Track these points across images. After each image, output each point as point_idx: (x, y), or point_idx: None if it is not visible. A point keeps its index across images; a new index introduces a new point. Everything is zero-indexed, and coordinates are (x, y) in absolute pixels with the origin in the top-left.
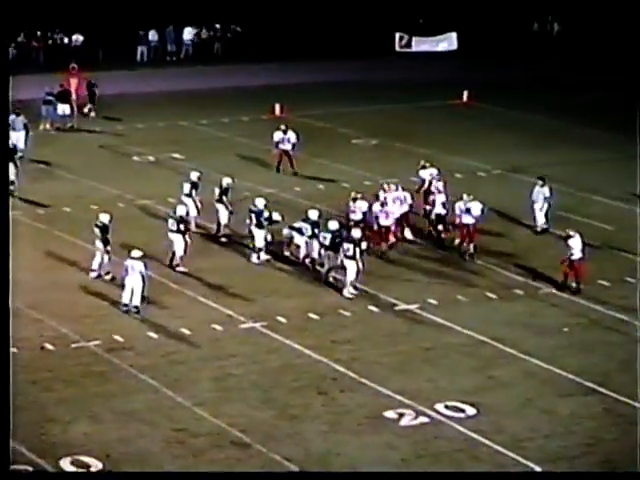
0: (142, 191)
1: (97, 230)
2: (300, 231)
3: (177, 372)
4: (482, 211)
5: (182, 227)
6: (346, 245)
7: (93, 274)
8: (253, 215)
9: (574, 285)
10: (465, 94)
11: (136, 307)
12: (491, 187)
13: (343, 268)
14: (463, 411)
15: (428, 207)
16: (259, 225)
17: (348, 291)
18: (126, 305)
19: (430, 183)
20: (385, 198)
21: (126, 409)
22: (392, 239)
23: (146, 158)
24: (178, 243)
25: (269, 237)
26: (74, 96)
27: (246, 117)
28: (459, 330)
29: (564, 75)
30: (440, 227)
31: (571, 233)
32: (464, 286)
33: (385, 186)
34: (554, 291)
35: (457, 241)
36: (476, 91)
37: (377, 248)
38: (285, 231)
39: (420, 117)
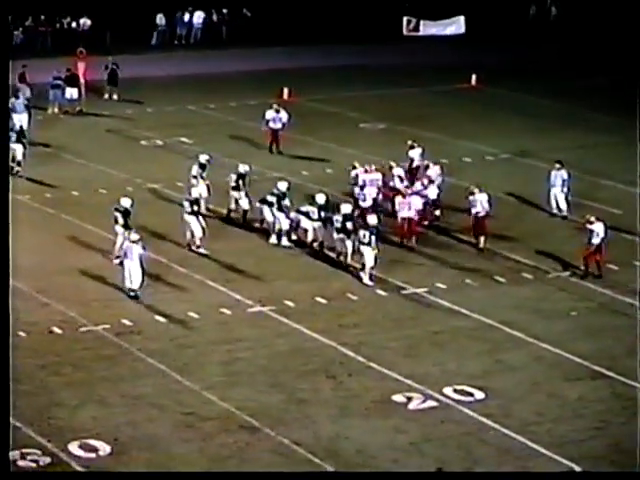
0: (150, 175)
1: (118, 214)
2: (308, 215)
3: (185, 356)
4: (489, 203)
5: (196, 208)
6: (362, 232)
7: (116, 260)
8: (274, 198)
9: (596, 271)
10: (473, 78)
11: (133, 291)
12: (499, 171)
13: (359, 254)
14: (471, 395)
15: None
16: (281, 208)
17: (367, 278)
18: (132, 290)
19: (418, 166)
20: (364, 180)
21: (134, 393)
22: (418, 229)
23: (154, 142)
24: (195, 225)
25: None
26: (82, 80)
27: (254, 101)
28: (467, 314)
29: (569, 59)
30: (438, 212)
31: (592, 219)
32: (472, 270)
33: (366, 167)
34: (563, 275)
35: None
36: (484, 75)
37: (407, 242)
38: (292, 215)
39: (428, 101)
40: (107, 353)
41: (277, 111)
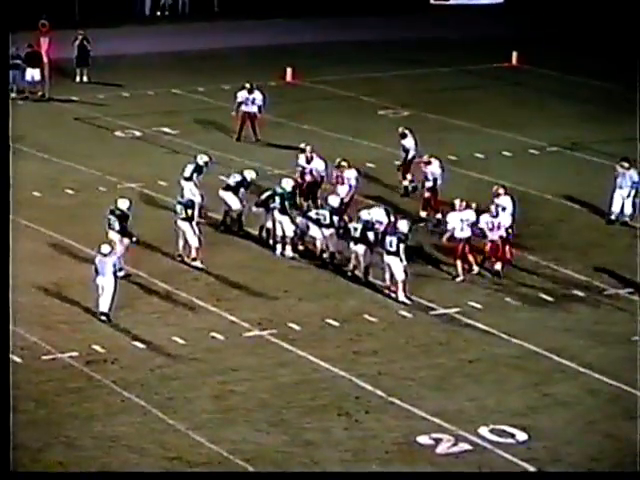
0: (127, 172)
1: (113, 218)
2: (317, 221)
3: (169, 389)
4: (511, 227)
5: (190, 213)
6: (389, 238)
7: (120, 273)
8: (278, 198)
9: None
10: (514, 55)
11: (103, 313)
12: (546, 167)
13: (385, 267)
14: (513, 436)
15: (409, 184)
16: (284, 210)
17: (403, 294)
18: (103, 313)
19: (413, 158)
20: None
21: (109, 433)
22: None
23: (131, 133)
24: (190, 233)
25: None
26: (45, 59)
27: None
28: (507, 339)
29: (630, 33)
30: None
31: None
32: (514, 286)
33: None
34: (622, 292)
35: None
36: (527, 52)
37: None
38: (299, 220)
39: (460, 83)
40: (76, 386)
41: (250, 91)
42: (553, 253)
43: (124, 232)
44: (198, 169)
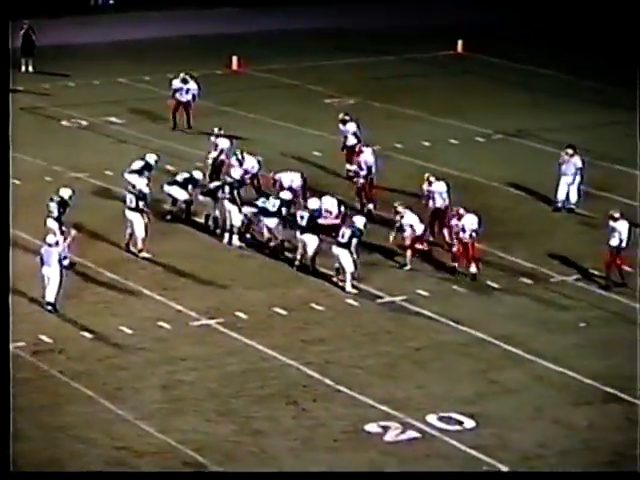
0: (73, 162)
1: (52, 205)
2: (265, 210)
3: (117, 379)
4: (479, 224)
5: (142, 204)
6: (343, 230)
7: (65, 262)
8: (227, 187)
9: (619, 279)
10: (459, 43)
11: (50, 303)
12: (491, 155)
13: (335, 257)
14: (460, 423)
15: (352, 168)
16: (233, 200)
17: (349, 285)
18: (49, 303)
19: (354, 146)
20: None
21: (56, 424)
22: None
23: (77, 122)
24: (138, 223)
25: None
26: None
27: (198, 72)
28: (455, 327)
29: (576, 21)
30: (370, 205)
31: (616, 215)
32: (460, 274)
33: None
34: (569, 279)
35: (472, 268)
36: (473, 40)
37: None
38: (245, 209)
39: (406, 71)
40: (22, 376)
41: (184, 81)
42: (500, 241)
43: (60, 220)
44: (148, 167)
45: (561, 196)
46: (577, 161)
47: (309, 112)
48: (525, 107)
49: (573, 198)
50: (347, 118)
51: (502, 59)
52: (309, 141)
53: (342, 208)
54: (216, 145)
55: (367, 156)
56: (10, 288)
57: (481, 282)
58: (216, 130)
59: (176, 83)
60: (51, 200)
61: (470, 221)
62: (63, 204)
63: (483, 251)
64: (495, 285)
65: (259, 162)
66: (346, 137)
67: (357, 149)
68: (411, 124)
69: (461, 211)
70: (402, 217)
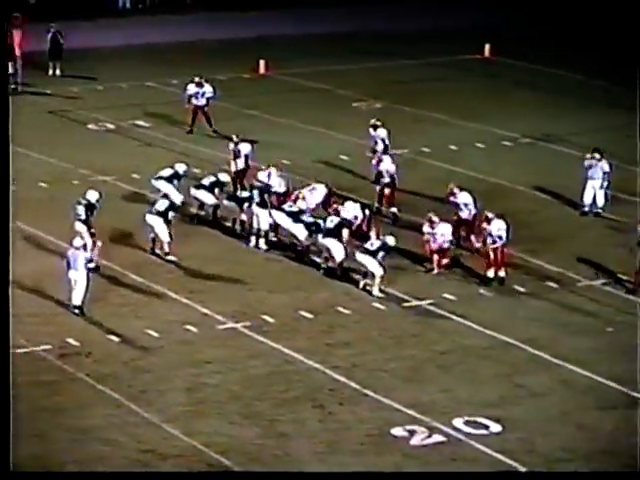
0: (100, 166)
1: (80, 208)
2: (293, 214)
3: (142, 382)
4: (507, 231)
5: (171, 215)
6: (374, 241)
7: (91, 264)
8: (256, 192)
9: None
10: (487, 47)
11: (77, 307)
12: (519, 159)
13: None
14: (486, 427)
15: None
16: (263, 204)
17: (377, 289)
18: (76, 306)
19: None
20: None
21: (82, 426)
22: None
23: (104, 126)
24: (159, 228)
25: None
26: (17, 51)
27: (224, 75)
28: (481, 330)
29: (602, 29)
30: (394, 209)
31: None
32: (486, 278)
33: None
34: (595, 283)
35: (490, 272)
36: (500, 44)
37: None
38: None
39: (433, 75)
40: (48, 379)
41: (199, 84)
42: (526, 244)
43: (87, 223)
44: (177, 176)
45: (588, 200)
46: (604, 165)
47: (336, 116)
48: (551, 111)
49: (600, 202)
50: (378, 124)
51: (529, 63)
52: (336, 145)
53: (366, 211)
54: (236, 153)
55: (387, 165)
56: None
57: (507, 286)
58: (234, 137)
59: (191, 88)
60: (78, 203)
61: (497, 226)
62: (90, 207)
63: (510, 254)
64: (521, 289)
65: (287, 182)
66: (376, 142)
67: (376, 158)
68: (438, 128)
69: (490, 215)
70: (434, 227)
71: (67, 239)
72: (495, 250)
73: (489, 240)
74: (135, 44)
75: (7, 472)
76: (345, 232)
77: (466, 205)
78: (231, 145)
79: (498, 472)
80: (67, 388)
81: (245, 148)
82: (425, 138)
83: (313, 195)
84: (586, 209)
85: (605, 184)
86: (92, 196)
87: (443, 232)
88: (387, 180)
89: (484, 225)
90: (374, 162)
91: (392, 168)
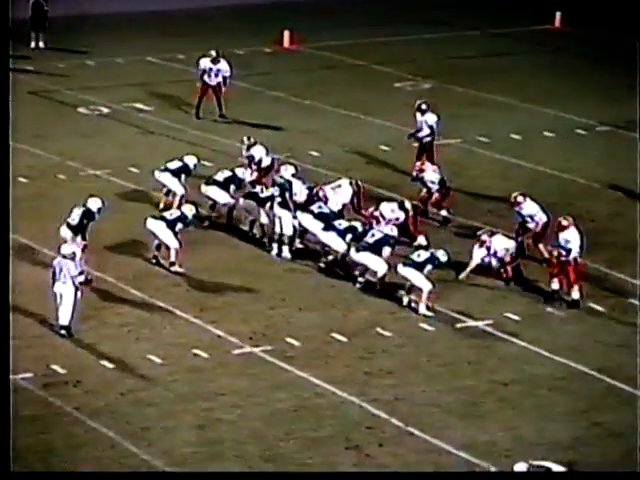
0: (92, 157)
1: (76, 212)
2: (322, 216)
3: (143, 417)
4: (581, 246)
5: (179, 227)
6: (422, 252)
7: (80, 278)
8: (277, 190)
9: None
10: (557, 16)
11: (64, 327)
12: (595, 150)
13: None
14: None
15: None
16: (284, 204)
17: (424, 307)
18: (62, 326)
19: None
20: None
21: (71, 470)
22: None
23: (97, 109)
24: (163, 234)
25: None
26: None
27: (242, 49)
28: (550, 357)
29: None
30: (444, 212)
31: None
32: (559, 299)
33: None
34: None
35: (554, 284)
36: (573, 12)
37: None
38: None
39: (493, 49)
40: (29, 413)
41: (215, 60)
42: (605, 254)
43: (79, 231)
44: (186, 169)
45: None
46: None
47: (375, 98)
48: (634, 92)
49: None
50: (425, 107)
51: (607, 35)
52: (375, 133)
53: (408, 207)
54: (250, 159)
55: (430, 175)
56: (10, 306)
57: (582, 304)
58: (245, 140)
59: (205, 62)
60: (77, 206)
61: (566, 236)
62: (89, 215)
63: (585, 266)
64: (599, 308)
65: (310, 188)
66: (420, 129)
67: (416, 168)
68: (498, 113)
69: (564, 222)
70: (489, 247)
71: (53, 246)
72: (564, 264)
73: (555, 252)
74: (134, 11)
75: (7, 472)
76: (387, 250)
77: (532, 217)
78: (242, 150)
79: (498, 472)
80: (53, 424)
81: (258, 152)
82: (483, 125)
83: (337, 194)
84: None
85: None
86: (93, 204)
87: (500, 247)
88: (436, 187)
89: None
90: (414, 173)
91: (436, 177)
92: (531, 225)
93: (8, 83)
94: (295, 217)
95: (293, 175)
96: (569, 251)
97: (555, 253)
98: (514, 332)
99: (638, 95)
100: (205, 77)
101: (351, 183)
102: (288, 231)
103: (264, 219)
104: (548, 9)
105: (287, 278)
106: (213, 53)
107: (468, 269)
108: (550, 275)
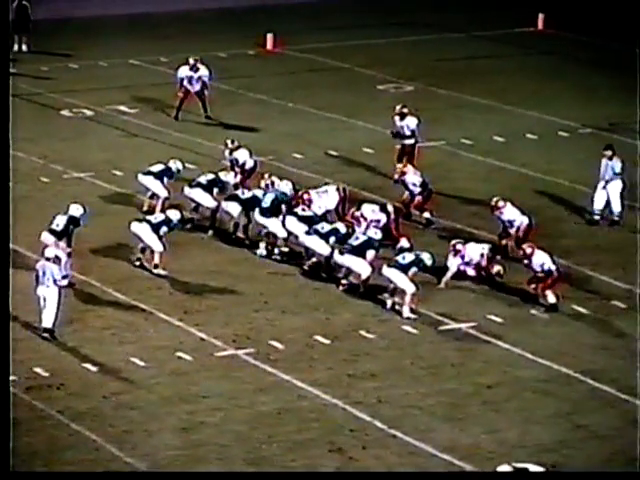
0: (75, 160)
1: (60, 219)
2: (305, 218)
3: (127, 421)
4: (553, 260)
5: (163, 230)
6: (406, 254)
7: (63, 281)
8: (262, 193)
9: None
10: (540, 18)
11: (47, 330)
12: (579, 152)
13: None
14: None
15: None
16: (275, 213)
17: (408, 309)
18: (46, 329)
19: (414, 144)
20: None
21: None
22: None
23: (80, 112)
24: (147, 237)
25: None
26: None
27: (225, 52)
28: (534, 359)
29: None
30: (426, 214)
31: None
32: (541, 296)
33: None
34: None
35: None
36: (556, 15)
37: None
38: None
39: (476, 51)
40: (13, 416)
41: (194, 68)
42: (588, 256)
43: (64, 236)
44: (168, 173)
45: (603, 205)
46: (615, 165)
47: (359, 100)
48: (617, 95)
49: (616, 208)
50: (405, 111)
51: (590, 37)
52: (359, 135)
53: (390, 210)
54: (233, 162)
55: (411, 177)
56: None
57: (566, 306)
58: (229, 143)
59: (184, 71)
60: (60, 213)
61: (539, 259)
62: (74, 221)
63: (567, 268)
64: (582, 310)
65: (294, 190)
66: (402, 134)
67: (398, 171)
68: (482, 115)
69: (528, 250)
70: (463, 256)
71: (35, 249)
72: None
73: (540, 275)
74: (117, 14)
75: (7, 472)
76: (371, 253)
77: (511, 222)
78: (226, 153)
79: (498, 472)
80: (35, 428)
81: (242, 156)
82: (466, 128)
83: (323, 199)
84: (596, 217)
85: (619, 186)
86: (75, 210)
87: (474, 255)
88: (418, 190)
89: (525, 261)
90: (396, 176)
91: (417, 179)
92: (512, 230)
93: (8, 86)
94: (284, 221)
95: (292, 190)
96: (549, 271)
97: (540, 277)
98: (498, 334)
99: (638, 96)
100: (186, 84)
101: (338, 189)
102: (282, 233)
103: (246, 220)
104: (531, 11)
105: (270, 281)
106: (191, 61)
107: (445, 278)
108: (542, 290)
